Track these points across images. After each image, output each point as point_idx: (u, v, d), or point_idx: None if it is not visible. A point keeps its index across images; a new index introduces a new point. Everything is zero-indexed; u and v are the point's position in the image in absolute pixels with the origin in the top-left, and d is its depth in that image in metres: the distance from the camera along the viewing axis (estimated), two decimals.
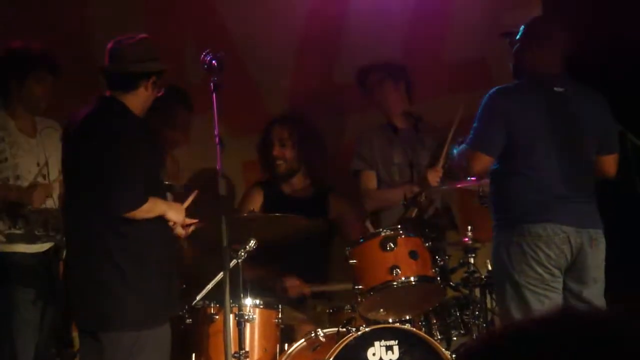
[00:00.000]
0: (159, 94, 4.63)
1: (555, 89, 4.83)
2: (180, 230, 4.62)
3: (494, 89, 4.91)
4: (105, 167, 4.35)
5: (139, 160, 4.39)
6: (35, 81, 5.19)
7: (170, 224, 4.55)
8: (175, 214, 4.54)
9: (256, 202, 5.84)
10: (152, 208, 4.43)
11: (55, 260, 5.19)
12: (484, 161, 4.83)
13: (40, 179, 5.19)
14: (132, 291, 4.36)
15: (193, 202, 4.71)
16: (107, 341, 4.38)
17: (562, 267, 4.71)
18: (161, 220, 4.48)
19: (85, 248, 4.44)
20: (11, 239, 5.11)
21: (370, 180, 5.94)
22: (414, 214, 5.25)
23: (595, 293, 4.76)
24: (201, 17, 6.42)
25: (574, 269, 4.73)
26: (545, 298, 4.68)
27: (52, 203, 5.21)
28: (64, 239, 4.92)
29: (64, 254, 5.01)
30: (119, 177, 4.33)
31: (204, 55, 4.57)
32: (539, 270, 4.67)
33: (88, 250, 4.42)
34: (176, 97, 5.73)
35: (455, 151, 5.11)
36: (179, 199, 4.82)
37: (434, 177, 5.60)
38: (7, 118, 5.22)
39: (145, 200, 4.38)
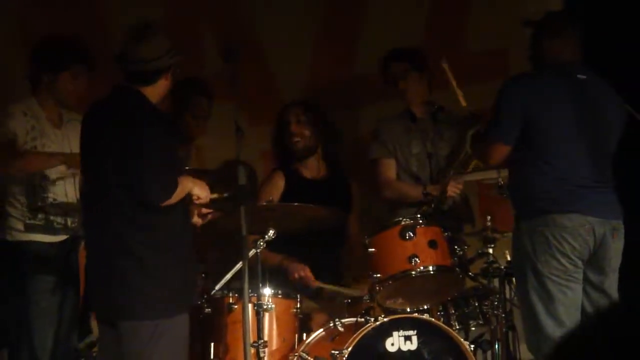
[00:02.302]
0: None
1: (579, 76, 4.78)
2: (196, 219, 4.61)
3: (510, 78, 4.89)
4: (135, 159, 4.32)
5: (167, 150, 4.39)
6: (71, 76, 5.14)
7: (194, 198, 4.53)
8: (200, 189, 4.53)
9: (277, 186, 5.83)
10: (182, 189, 4.43)
11: (74, 250, 5.20)
12: (502, 151, 4.79)
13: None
14: (150, 280, 4.36)
15: (218, 197, 4.71)
16: (125, 330, 4.38)
17: (584, 257, 4.67)
18: (180, 209, 4.47)
19: (103, 237, 4.44)
20: (30, 228, 5.11)
21: (389, 168, 5.85)
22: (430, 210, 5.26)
23: (613, 283, 4.76)
24: (219, 6, 6.41)
25: (595, 260, 4.70)
26: (567, 289, 4.65)
27: (72, 194, 5.21)
28: (82, 228, 4.93)
29: (83, 244, 5.01)
30: (153, 169, 4.30)
31: (223, 44, 4.56)
32: (563, 261, 4.63)
33: (106, 239, 4.41)
34: (198, 88, 5.77)
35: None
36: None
37: (453, 189, 5.60)
38: (38, 107, 5.19)
39: (177, 185, 4.39)
